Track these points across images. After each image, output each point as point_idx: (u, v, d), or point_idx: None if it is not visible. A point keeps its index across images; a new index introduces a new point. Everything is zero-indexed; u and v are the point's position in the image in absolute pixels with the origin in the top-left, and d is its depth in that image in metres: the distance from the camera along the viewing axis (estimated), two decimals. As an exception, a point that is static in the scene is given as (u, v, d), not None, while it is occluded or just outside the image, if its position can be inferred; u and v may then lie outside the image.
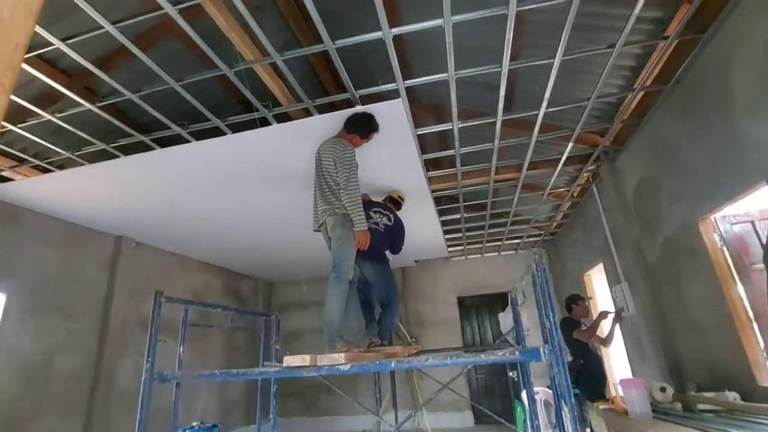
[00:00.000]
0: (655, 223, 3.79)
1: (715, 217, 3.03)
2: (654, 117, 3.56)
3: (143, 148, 3.60)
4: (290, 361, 1.97)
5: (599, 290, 5.95)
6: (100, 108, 3.17)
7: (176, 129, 3.33)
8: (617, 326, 4.65)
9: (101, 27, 2.42)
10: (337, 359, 1.91)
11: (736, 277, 2.91)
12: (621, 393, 2.87)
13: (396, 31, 2.47)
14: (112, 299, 5.02)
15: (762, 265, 2.56)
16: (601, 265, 5.40)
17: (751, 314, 2.82)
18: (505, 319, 4.97)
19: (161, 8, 2.28)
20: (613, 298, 4.89)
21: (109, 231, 5.14)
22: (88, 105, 3.08)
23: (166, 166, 3.61)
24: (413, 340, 6.49)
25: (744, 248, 2.93)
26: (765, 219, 2.95)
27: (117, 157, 3.63)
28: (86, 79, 3.27)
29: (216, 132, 3.33)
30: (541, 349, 1.69)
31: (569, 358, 4.14)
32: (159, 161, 3.53)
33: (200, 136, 3.41)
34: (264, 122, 3.22)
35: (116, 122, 3.34)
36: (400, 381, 7.11)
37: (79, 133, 3.42)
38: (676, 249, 3.48)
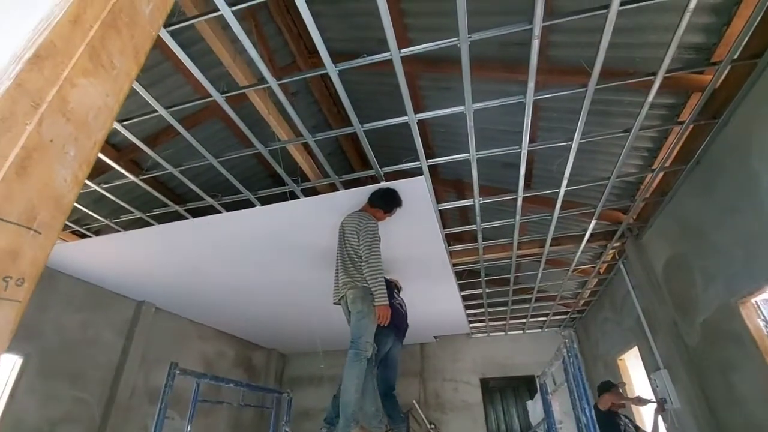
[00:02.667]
0: (690, 305, 3.58)
1: (756, 301, 2.85)
2: (676, 196, 3.55)
3: (176, 217, 3.79)
4: (303, 448, 1.83)
5: (636, 377, 5.45)
6: (143, 180, 3.41)
7: (209, 200, 3.51)
8: (660, 420, 4.17)
9: (155, 111, 2.69)
10: (354, 449, 1.76)
11: (791, 369, 2.65)
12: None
13: (420, 116, 2.66)
14: (123, 366, 4.92)
15: (819, 358, 2.34)
16: (636, 349, 5.01)
17: (816, 414, 2.51)
18: (534, 409, 4.55)
19: (210, 96, 2.55)
20: (653, 388, 4.46)
21: (131, 296, 5.22)
22: (132, 177, 3.32)
23: (195, 234, 3.75)
24: (432, 426, 5.96)
25: (794, 336, 2.70)
26: (813, 304, 2.75)
27: (151, 224, 3.81)
28: (133, 153, 3.57)
29: (246, 204, 3.49)
30: (579, 448, 1.52)
31: None
32: (190, 229, 3.68)
33: (231, 207, 3.58)
34: (292, 196, 3.38)
35: (155, 193, 3.56)
36: (417, 474, 6.40)
37: (119, 202, 3.65)
38: (718, 334, 3.23)
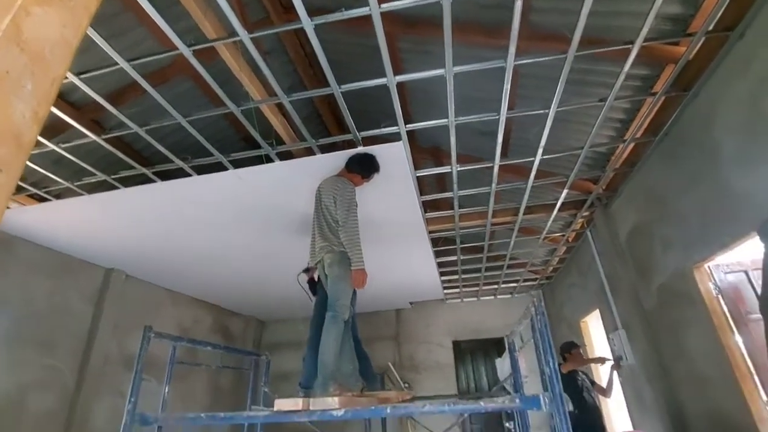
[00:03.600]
0: (650, 270, 3.81)
1: (709, 266, 3.06)
2: (645, 166, 3.69)
3: (144, 180, 3.63)
4: (281, 405, 1.88)
5: (596, 337, 5.85)
6: (105, 140, 3.23)
7: (179, 163, 3.38)
8: (615, 375, 4.53)
9: (116, 64, 2.52)
10: (331, 404, 1.83)
11: (734, 327, 2.90)
12: (624, 447, 2.75)
13: (400, 78, 2.60)
14: (95, 334, 4.83)
15: (758, 315, 2.56)
16: (597, 312, 5.35)
17: (750, 365, 2.77)
18: (503, 365, 4.83)
19: (176, 49, 2.39)
20: (611, 346, 4.80)
21: (100, 263, 5.05)
22: (94, 137, 3.13)
23: (165, 198, 3.62)
24: (406, 385, 6.24)
25: (739, 298, 2.94)
26: (757, 269, 2.98)
27: (117, 188, 3.65)
28: (95, 113, 3.36)
29: (218, 167, 3.38)
30: (542, 396, 1.64)
31: (570, 407, 4.00)
32: (159, 194, 3.55)
33: (202, 170, 3.46)
34: (267, 160, 3.29)
35: (119, 154, 3.39)
36: (391, 429, 6.75)
37: (81, 163, 3.45)
38: (673, 296, 3.48)
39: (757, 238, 2.29)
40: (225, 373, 7.25)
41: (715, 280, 3.03)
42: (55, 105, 2.98)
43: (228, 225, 4.14)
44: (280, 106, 3.08)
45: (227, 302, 7.36)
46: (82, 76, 2.65)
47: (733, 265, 3.02)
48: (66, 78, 2.62)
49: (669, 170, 3.36)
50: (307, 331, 2.81)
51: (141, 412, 2.16)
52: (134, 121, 3.01)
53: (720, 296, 2.99)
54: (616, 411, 5.24)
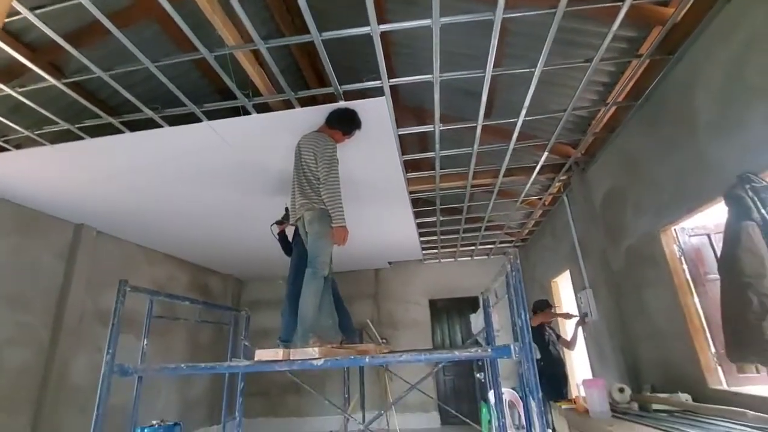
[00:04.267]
0: (620, 233, 3.97)
1: (675, 229, 3.20)
2: (623, 131, 3.73)
3: (111, 131, 3.43)
4: (262, 355, 1.92)
5: (565, 296, 6.16)
6: (67, 85, 3.00)
7: (148, 112, 3.19)
8: (580, 330, 4.84)
9: (73, -1, 2.29)
10: (311, 353, 1.88)
11: (692, 287, 3.08)
12: (583, 393, 2.98)
13: (384, 27, 2.48)
14: (68, 291, 4.74)
15: (716, 275, 2.73)
16: (567, 272, 5.59)
17: (704, 321, 2.99)
18: (477, 320, 5.06)
19: (141, -15, 2.19)
20: (578, 304, 5.08)
21: (68, 218, 4.87)
22: (53, 80, 2.90)
23: (135, 150, 3.45)
24: (384, 341, 6.49)
25: (700, 259, 3.11)
26: (719, 233, 3.14)
27: (82, 138, 3.44)
28: (52, 55, 3.09)
29: (191, 119, 3.21)
30: (512, 346, 1.73)
31: (538, 356, 4.28)
32: (128, 145, 3.38)
33: (174, 122, 3.29)
34: (244, 112, 3.14)
35: (83, 101, 3.17)
36: (369, 382, 7.08)
37: (42, 110, 3.22)
38: (639, 258, 3.65)
39: (723, 202, 2.40)
40: (204, 329, 7.33)
41: (679, 242, 3.18)
42: (9, 44, 2.72)
43: (203, 180, 4.01)
44: (257, 55, 2.91)
45: (205, 260, 7.30)
46: (38, 11, 2.40)
47: (697, 228, 3.16)
48: (19, 14, 2.38)
49: (646, 136, 3.41)
50: (284, 289, 2.84)
51: (120, 363, 2.17)
52: (97, 66, 2.78)
53: (683, 258, 3.16)
54: (579, 363, 5.64)
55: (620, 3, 2.40)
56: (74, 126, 3.38)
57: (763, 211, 2.08)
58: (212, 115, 3.20)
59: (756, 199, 2.11)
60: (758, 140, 2.26)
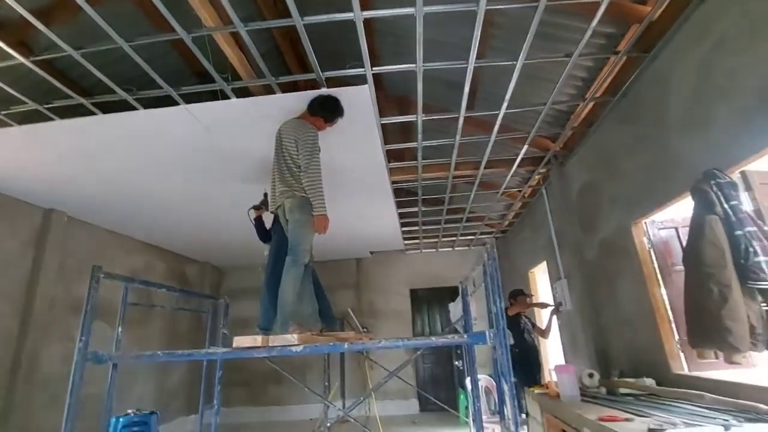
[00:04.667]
0: (594, 225, 4.10)
1: (645, 222, 3.33)
2: (600, 127, 3.83)
3: (83, 113, 3.30)
4: (240, 341, 1.92)
5: (542, 286, 6.34)
6: (35, 63, 2.86)
7: (122, 94, 3.08)
8: (555, 319, 5.00)
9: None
10: (290, 340, 1.89)
11: (660, 277, 3.22)
12: (555, 378, 3.10)
13: (367, 14, 2.45)
14: (38, 278, 4.58)
15: (681, 267, 2.86)
16: (544, 263, 5.74)
17: (669, 310, 3.14)
18: (455, 309, 5.16)
19: (114, -40, 2.10)
20: (553, 294, 5.24)
21: (37, 203, 4.68)
22: (20, 58, 2.77)
23: (108, 133, 3.32)
24: (365, 330, 6.54)
25: (668, 251, 3.24)
26: (686, 226, 3.28)
27: (51, 120, 3.30)
28: (20, 32, 2.93)
29: (168, 102, 3.12)
30: (487, 332, 1.78)
31: (511, 341, 4.41)
32: (101, 128, 3.25)
33: (149, 105, 3.19)
34: (222, 96, 3.07)
35: (53, 81, 3.03)
36: (349, 370, 7.15)
37: (9, 89, 3.07)
38: (611, 250, 3.79)
39: (690, 197, 2.50)
40: (182, 319, 7.22)
41: (649, 235, 3.31)
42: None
43: (180, 166, 3.91)
44: (236, 38, 2.84)
45: (183, 248, 7.16)
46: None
47: (666, 221, 3.29)
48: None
49: (621, 131, 3.51)
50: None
51: (93, 351, 2.13)
52: (68, 44, 2.66)
53: (652, 249, 3.29)
54: (553, 350, 5.84)
55: (600, 0, 2.45)
56: (43, 106, 3.24)
57: (725, 205, 2.18)
58: (190, 99, 3.12)
59: (720, 194, 2.21)
60: (723, 138, 2.36)
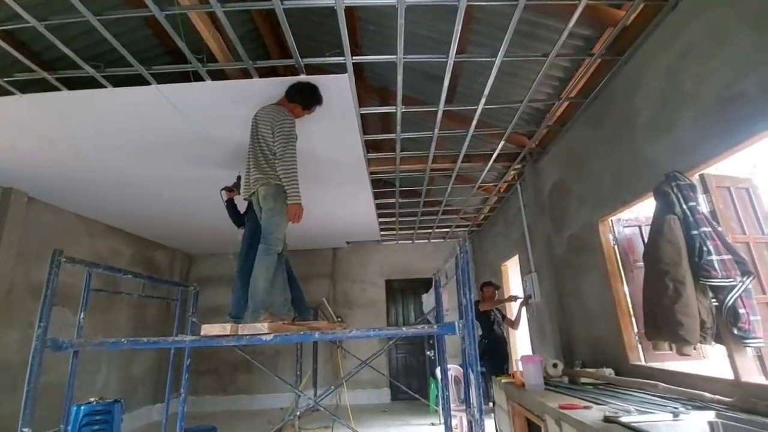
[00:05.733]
0: (564, 222, 4.23)
1: (611, 220, 3.47)
2: (573, 126, 3.94)
3: (45, 88, 3.12)
4: (209, 329, 1.89)
5: (513, 278, 6.52)
6: (-7, 33, 2.68)
7: (89, 70, 2.92)
8: (524, 311, 5.16)
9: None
10: (260, 329, 1.87)
11: (622, 273, 3.38)
12: (521, 368, 3.21)
13: (348, 2, 2.42)
14: (-6, 261, 4.35)
15: (642, 263, 3.00)
16: (516, 257, 5.90)
17: (630, 304, 3.30)
18: (428, 300, 5.25)
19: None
20: (524, 287, 5.40)
21: (-6, 181, 4.42)
22: (-25, 27, 2.58)
23: (73, 110, 3.17)
24: (339, 319, 6.57)
25: (631, 248, 3.40)
26: (648, 224, 3.44)
27: (12, 94, 3.10)
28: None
29: (139, 81, 2.99)
30: (456, 323, 1.82)
31: (479, 332, 4.54)
32: (65, 105, 3.09)
33: (119, 83, 3.05)
34: (196, 77, 2.97)
35: (13, 52, 2.85)
36: (322, 360, 7.18)
37: (-39, 59, 2.86)
38: (579, 245, 3.93)
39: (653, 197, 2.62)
40: (150, 307, 7.04)
41: (614, 232, 3.46)
42: None
43: (149, 148, 3.77)
44: (213, 18, 2.74)
45: (151, 233, 6.94)
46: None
47: (630, 220, 3.44)
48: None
49: (592, 132, 3.62)
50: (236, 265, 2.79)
51: (53, 337, 2.05)
52: (31, 15, 2.50)
53: (616, 246, 3.44)
54: (521, 341, 6.04)
55: (577, 2, 2.50)
56: (2, 79, 3.04)
57: (684, 206, 2.29)
58: (162, 79, 3.00)
59: (680, 195, 2.32)
60: (685, 142, 2.48)
